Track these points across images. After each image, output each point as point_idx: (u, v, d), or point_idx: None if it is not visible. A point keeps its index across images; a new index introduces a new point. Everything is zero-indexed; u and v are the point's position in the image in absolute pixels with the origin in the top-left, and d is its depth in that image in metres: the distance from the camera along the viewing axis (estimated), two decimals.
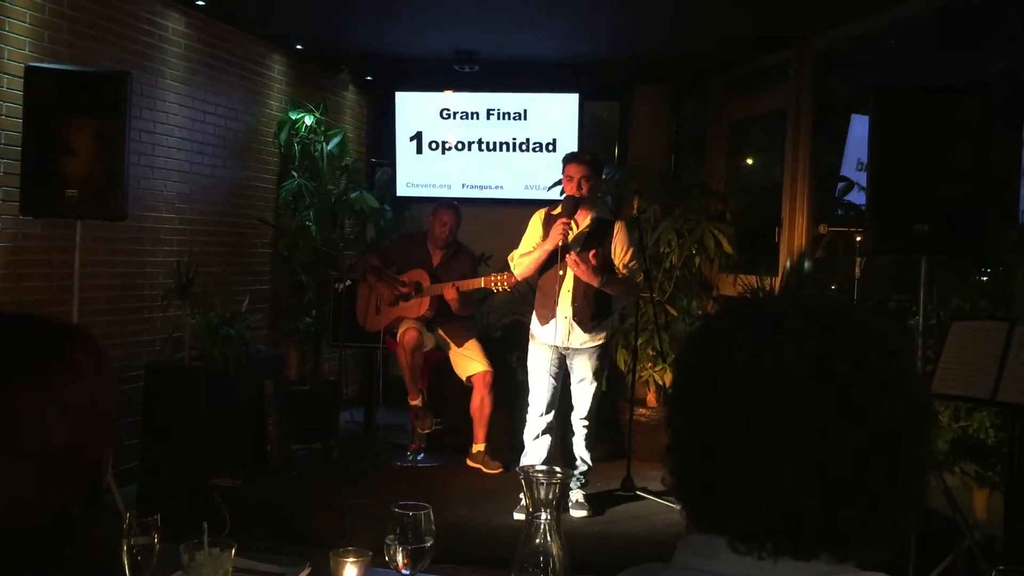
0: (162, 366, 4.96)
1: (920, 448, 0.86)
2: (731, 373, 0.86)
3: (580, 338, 4.41)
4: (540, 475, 1.45)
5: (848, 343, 0.85)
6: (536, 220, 4.54)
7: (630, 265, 4.39)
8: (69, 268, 4.30)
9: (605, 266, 4.32)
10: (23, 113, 4.11)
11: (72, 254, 4.27)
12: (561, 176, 4.48)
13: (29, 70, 4.13)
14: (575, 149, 6.30)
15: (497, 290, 4.93)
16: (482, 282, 4.97)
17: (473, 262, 5.45)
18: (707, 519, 0.89)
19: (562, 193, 4.46)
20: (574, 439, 4.53)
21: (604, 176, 5.37)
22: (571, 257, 4.24)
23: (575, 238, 4.35)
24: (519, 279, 4.61)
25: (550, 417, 4.50)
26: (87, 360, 1.04)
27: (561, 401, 4.55)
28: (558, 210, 4.41)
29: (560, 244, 4.24)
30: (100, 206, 4.15)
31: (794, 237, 5.90)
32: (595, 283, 4.27)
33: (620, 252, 4.38)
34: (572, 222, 4.32)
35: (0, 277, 4.33)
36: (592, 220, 4.41)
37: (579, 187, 4.32)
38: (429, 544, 1.56)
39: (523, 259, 4.47)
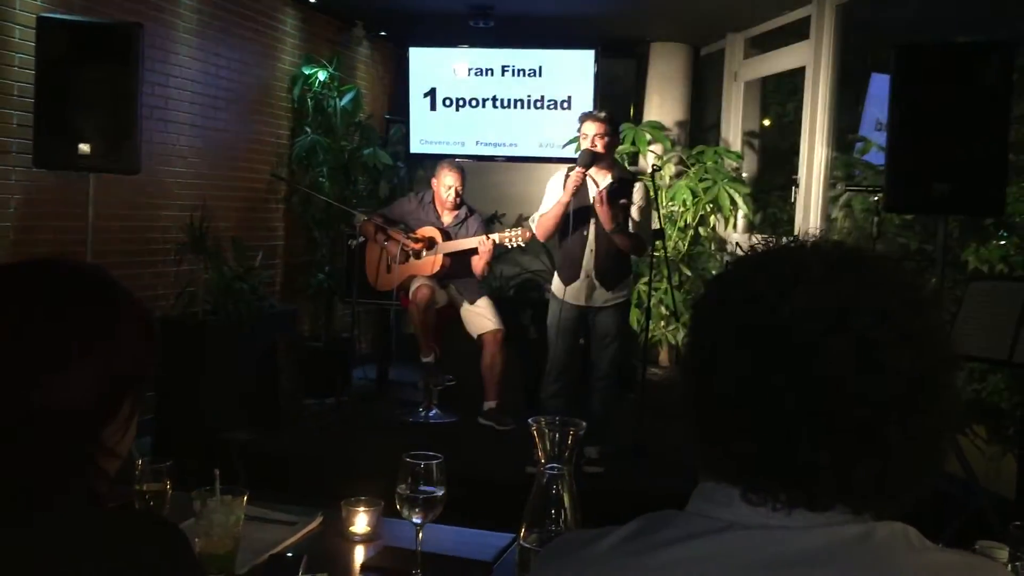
0: (176, 320, 4.97)
1: (941, 403, 0.84)
2: (749, 323, 0.84)
3: (602, 296, 4.46)
4: (553, 426, 1.45)
5: (871, 295, 0.83)
6: (556, 181, 4.54)
7: (642, 224, 4.44)
8: (82, 221, 4.30)
9: (624, 221, 4.36)
10: (35, 65, 4.09)
11: (85, 207, 4.27)
12: (577, 134, 4.50)
13: (41, 21, 4.10)
14: (590, 107, 6.26)
15: (511, 246, 4.93)
16: (497, 238, 4.96)
17: (482, 221, 5.42)
18: (721, 470, 0.88)
19: (577, 150, 4.48)
20: (591, 398, 4.55)
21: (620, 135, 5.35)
22: (598, 196, 4.28)
23: (598, 196, 4.36)
24: (542, 239, 4.63)
25: (568, 376, 4.53)
26: (138, 334, 1.07)
27: (579, 360, 4.59)
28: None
29: (575, 193, 4.28)
30: (113, 159, 4.14)
31: (811, 197, 5.85)
32: (608, 225, 4.29)
33: (635, 211, 4.41)
34: (590, 177, 4.36)
35: (13, 230, 4.34)
36: (613, 179, 4.43)
37: (594, 144, 4.35)
38: (441, 493, 1.56)
39: (544, 217, 4.49)
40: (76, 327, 1.01)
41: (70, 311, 1.02)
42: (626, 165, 6.00)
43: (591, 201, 4.38)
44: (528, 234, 4.70)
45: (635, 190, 4.44)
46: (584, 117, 4.48)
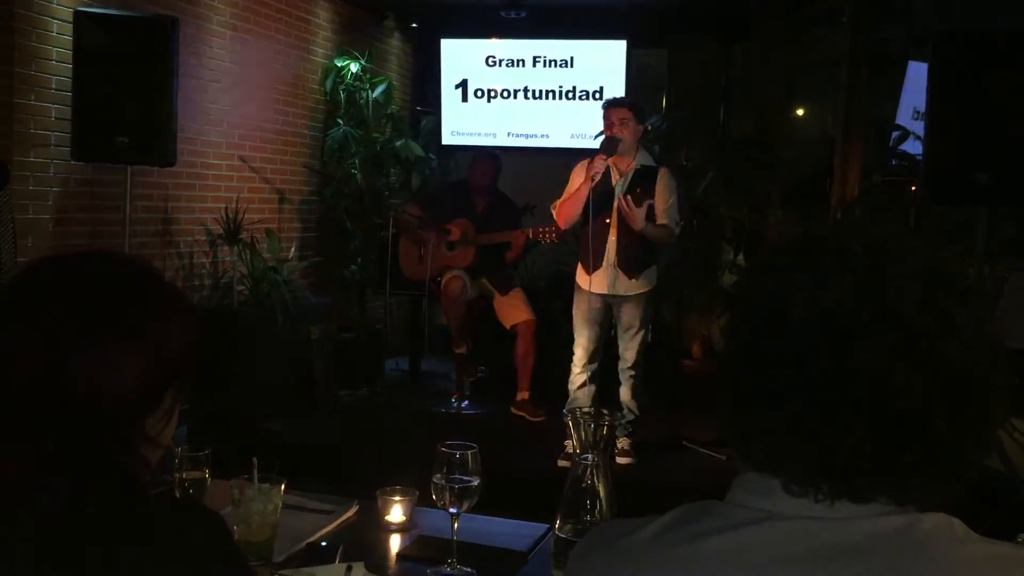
0: (211, 311, 5.02)
1: (986, 393, 0.82)
2: (790, 312, 0.83)
3: (626, 285, 4.41)
4: (587, 416, 1.45)
5: (914, 284, 0.81)
6: (579, 170, 4.50)
7: (670, 212, 4.36)
8: (120, 213, 4.35)
9: (647, 212, 4.31)
10: (73, 58, 4.14)
11: (122, 199, 4.32)
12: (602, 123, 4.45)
13: (78, 15, 4.15)
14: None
15: (544, 241, 4.91)
16: (530, 232, 4.95)
17: (516, 212, 5.42)
18: (761, 461, 0.87)
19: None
20: (620, 389, 4.52)
21: (650, 127, 5.31)
22: (621, 197, 4.24)
23: (619, 182, 4.33)
24: (563, 226, 4.58)
25: (594, 367, 4.51)
26: (182, 326, 1.07)
27: (606, 351, 4.55)
28: None
29: (595, 179, 4.24)
30: (149, 151, 4.19)
31: (846, 187, 5.78)
32: (637, 226, 4.25)
33: (662, 199, 4.35)
34: (613, 165, 4.32)
35: (52, 221, 4.40)
36: (636, 166, 4.39)
37: (617, 131, 4.32)
38: (476, 483, 1.56)
39: (563, 204, 4.45)
40: (123, 317, 1.02)
41: (118, 302, 1.03)
42: (656, 154, 5.95)
43: (613, 186, 4.33)
44: (561, 231, 4.66)
45: (658, 178, 4.38)
46: (607, 104, 4.45)
